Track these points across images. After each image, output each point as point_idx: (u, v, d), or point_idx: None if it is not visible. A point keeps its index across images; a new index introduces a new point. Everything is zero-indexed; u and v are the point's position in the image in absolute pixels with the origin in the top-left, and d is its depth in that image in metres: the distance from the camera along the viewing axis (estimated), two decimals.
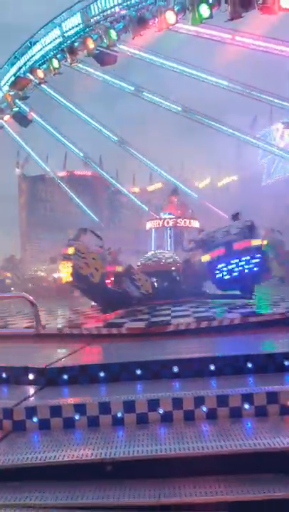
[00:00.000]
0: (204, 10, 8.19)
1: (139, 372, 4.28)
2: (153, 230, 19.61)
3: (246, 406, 3.68)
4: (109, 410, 3.56)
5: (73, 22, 9.90)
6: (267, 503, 2.83)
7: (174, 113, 16.08)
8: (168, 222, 18.45)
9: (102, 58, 10.83)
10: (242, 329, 6.16)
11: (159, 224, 19.00)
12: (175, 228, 18.33)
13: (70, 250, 8.61)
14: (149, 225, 19.64)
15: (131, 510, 2.71)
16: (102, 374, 4.24)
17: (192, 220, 18.94)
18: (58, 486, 2.84)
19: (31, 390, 4.09)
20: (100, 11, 9.52)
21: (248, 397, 3.70)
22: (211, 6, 8.23)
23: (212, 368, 4.34)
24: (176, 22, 8.86)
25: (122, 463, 3.00)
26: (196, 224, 18.92)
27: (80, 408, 3.54)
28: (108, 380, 4.24)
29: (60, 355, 5.06)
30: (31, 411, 3.51)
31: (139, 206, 28.22)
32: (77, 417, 3.51)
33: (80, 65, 11.57)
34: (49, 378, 4.26)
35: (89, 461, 2.96)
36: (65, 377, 4.22)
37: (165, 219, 18.57)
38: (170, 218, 18.33)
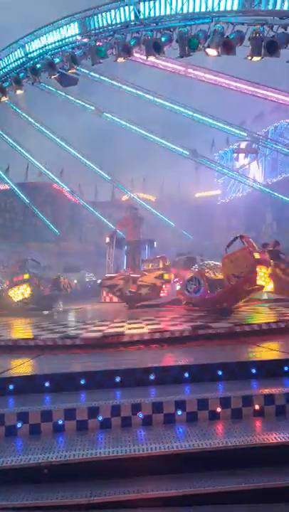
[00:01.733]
0: (157, 47, 8.87)
1: (83, 381, 4.54)
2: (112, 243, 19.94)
3: (179, 412, 4.06)
4: (50, 418, 3.79)
5: (37, 44, 10.28)
6: (195, 496, 3.18)
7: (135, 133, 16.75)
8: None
9: (64, 80, 11.26)
10: (192, 340, 6.60)
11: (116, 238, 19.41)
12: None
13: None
14: (108, 238, 19.99)
15: (63, 509, 2.95)
16: (47, 384, 4.45)
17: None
18: None
19: None
20: (62, 37, 9.97)
21: (180, 404, 4.08)
22: (162, 45, 8.94)
23: (152, 377, 4.69)
24: (132, 55, 9.49)
25: (58, 466, 3.24)
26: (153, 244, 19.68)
27: (22, 416, 3.75)
28: (53, 390, 4.45)
29: (8, 366, 5.19)
30: None
31: (99, 219, 28.53)
32: (19, 425, 3.71)
33: (43, 84, 11.90)
34: None
35: (26, 466, 3.18)
36: (11, 387, 4.39)
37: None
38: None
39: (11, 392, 4.40)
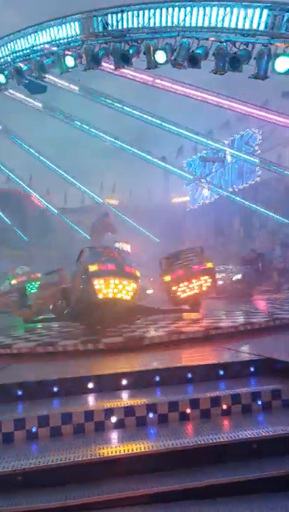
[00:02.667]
0: (125, 59, 9.11)
1: (55, 389, 4.58)
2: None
3: (151, 415, 4.19)
4: (24, 426, 3.82)
5: (4, 51, 10.25)
6: (166, 494, 3.31)
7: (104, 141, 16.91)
8: None
9: (32, 87, 11.28)
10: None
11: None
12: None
13: None
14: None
15: None
16: (19, 392, 4.46)
17: (124, 244, 19.63)
18: None
19: None
20: (30, 45, 10.02)
21: (152, 407, 4.21)
22: (130, 57, 9.20)
23: (124, 382, 4.80)
24: (101, 65, 9.67)
25: (32, 473, 3.29)
26: (127, 247, 19.66)
27: None
28: (25, 398, 4.47)
29: None
30: None
31: (69, 226, 28.34)
32: None
33: (11, 91, 11.85)
34: None
35: (0, 473, 3.21)
36: None
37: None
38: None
39: None
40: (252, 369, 5.07)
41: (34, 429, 3.84)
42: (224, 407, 4.27)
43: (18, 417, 3.89)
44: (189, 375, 5.00)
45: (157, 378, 4.91)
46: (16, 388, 4.54)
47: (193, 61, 8.68)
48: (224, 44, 8.70)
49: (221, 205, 30.05)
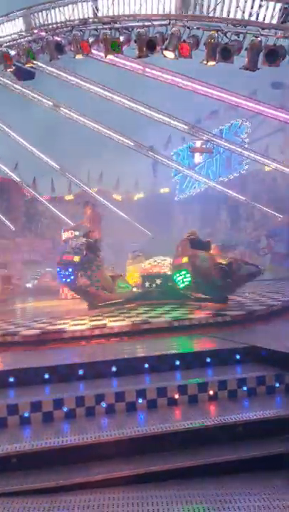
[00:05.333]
0: (115, 47, 9.00)
1: (47, 376, 4.67)
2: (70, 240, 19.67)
3: (140, 400, 4.32)
4: (16, 411, 3.90)
5: None
6: (154, 475, 3.46)
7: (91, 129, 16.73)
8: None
9: (21, 74, 11.05)
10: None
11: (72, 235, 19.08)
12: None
13: None
14: (64, 235, 19.63)
15: (33, 493, 3.11)
16: (11, 379, 4.54)
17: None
18: None
19: None
20: (18, 30, 9.79)
21: (141, 393, 4.34)
22: (121, 45, 9.09)
23: (114, 369, 4.92)
24: (90, 52, 9.53)
25: (26, 455, 3.39)
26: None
27: None
28: (17, 385, 4.55)
29: None
30: None
31: (57, 215, 28.06)
32: None
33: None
34: None
35: None
36: None
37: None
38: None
39: None
40: (238, 357, 5.25)
41: (27, 414, 3.92)
42: (211, 392, 4.44)
43: (11, 403, 3.97)
44: (177, 363, 5.14)
45: (146, 365, 5.04)
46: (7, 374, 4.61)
47: (184, 50, 8.63)
48: (215, 34, 8.66)
49: (208, 195, 30.17)
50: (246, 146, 25.77)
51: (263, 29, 8.38)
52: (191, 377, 4.63)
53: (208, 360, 5.19)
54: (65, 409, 4.07)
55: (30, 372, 4.74)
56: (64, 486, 3.17)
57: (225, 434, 3.86)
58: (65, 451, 3.48)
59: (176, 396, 4.36)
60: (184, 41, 8.86)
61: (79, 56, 9.46)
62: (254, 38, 8.44)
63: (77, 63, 11.64)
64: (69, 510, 2.89)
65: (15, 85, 13.61)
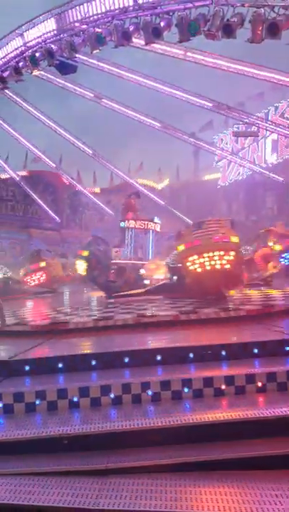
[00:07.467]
0: (156, 33, 8.84)
1: (94, 362, 4.80)
2: (131, 230, 19.75)
3: (186, 390, 4.32)
4: (66, 395, 4.06)
5: (35, 33, 10.21)
6: (199, 464, 3.46)
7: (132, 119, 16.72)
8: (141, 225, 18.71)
9: (63, 68, 11.20)
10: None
11: (140, 225, 19.15)
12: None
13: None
14: (126, 224, 19.74)
15: (83, 474, 3.24)
16: (60, 365, 4.72)
17: (155, 224, 19.46)
18: (20, 458, 3.31)
19: None
20: (60, 25, 9.89)
21: (187, 382, 4.34)
22: (162, 30, 8.90)
23: (158, 358, 4.94)
24: (132, 41, 9.43)
25: (76, 438, 3.52)
26: (157, 227, 19.49)
27: (40, 394, 4.01)
28: (66, 370, 4.72)
29: (22, 349, 5.46)
30: None
31: (99, 206, 28.58)
32: (38, 401, 3.98)
33: (42, 72, 11.84)
34: (12, 369, 4.68)
35: (47, 437, 3.46)
36: (27, 368, 4.66)
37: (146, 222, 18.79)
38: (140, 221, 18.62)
39: (27, 373, 4.67)
40: (287, 348, 5.06)
41: (76, 399, 4.06)
42: (259, 384, 4.33)
43: (60, 387, 4.13)
44: (223, 353, 5.06)
45: (191, 355, 5.02)
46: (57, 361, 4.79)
47: (228, 30, 8.27)
48: (262, 10, 8.21)
49: (253, 181, 29.16)
50: None
51: None
52: (238, 368, 4.55)
53: (256, 351, 5.06)
54: (112, 395, 4.16)
55: (77, 359, 4.90)
56: (112, 469, 3.26)
57: (274, 427, 3.75)
58: (113, 436, 3.57)
59: (223, 387, 4.30)
60: (228, 20, 8.53)
61: (120, 46, 9.42)
62: None
63: (111, 55, 11.61)
64: (118, 493, 2.96)
65: (57, 79, 13.86)
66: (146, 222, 17.86)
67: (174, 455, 3.50)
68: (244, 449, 3.54)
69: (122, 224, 19.21)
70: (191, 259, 8.54)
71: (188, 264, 8.60)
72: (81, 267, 12.22)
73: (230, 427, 3.73)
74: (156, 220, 18.11)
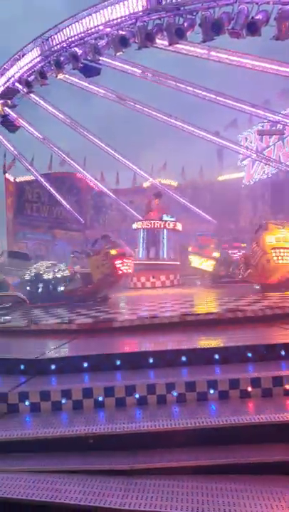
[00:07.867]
0: (180, 33, 8.80)
1: (118, 362, 4.83)
2: (141, 230, 19.91)
3: (211, 391, 4.28)
4: (91, 395, 4.10)
5: (60, 37, 10.42)
6: (224, 467, 3.42)
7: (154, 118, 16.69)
8: (160, 225, 18.85)
9: (87, 71, 11.35)
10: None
11: (147, 225, 19.29)
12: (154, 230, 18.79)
13: None
14: (136, 225, 19.88)
15: (108, 473, 3.26)
16: (85, 364, 4.77)
17: (177, 223, 19.45)
18: (47, 456, 3.37)
19: (23, 379, 4.60)
20: (85, 28, 10.04)
21: (213, 384, 4.29)
22: (185, 31, 8.86)
23: (183, 358, 4.92)
24: (155, 42, 9.44)
25: (102, 437, 3.55)
26: (179, 227, 19.45)
27: (66, 393, 4.07)
28: (91, 370, 4.77)
29: (48, 349, 5.56)
30: (24, 395, 4.02)
31: (122, 206, 28.73)
32: (63, 401, 4.04)
33: (66, 76, 12.05)
34: (39, 368, 4.78)
35: (74, 435, 3.50)
36: (53, 367, 4.74)
37: (153, 221, 18.91)
38: (162, 221, 18.76)
39: (52, 372, 4.75)
40: None
41: (101, 399, 4.10)
42: (287, 387, 4.23)
43: (86, 387, 4.18)
44: (249, 355, 4.98)
45: (217, 356, 4.97)
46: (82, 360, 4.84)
47: (253, 28, 8.14)
48: (287, 7, 8.04)
49: (279, 180, 28.51)
50: None
51: None
52: (264, 371, 4.46)
53: (283, 353, 4.95)
54: (136, 395, 4.17)
55: (102, 358, 4.94)
56: (137, 470, 3.26)
57: None
58: (138, 436, 3.57)
59: (249, 389, 4.23)
60: (253, 18, 8.40)
61: (143, 47, 9.45)
62: None
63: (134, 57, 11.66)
64: (143, 493, 2.96)
65: (80, 81, 14.04)
66: (156, 222, 18.10)
67: (200, 457, 3.47)
68: (272, 453, 3.47)
69: (133, 225, 19.54)
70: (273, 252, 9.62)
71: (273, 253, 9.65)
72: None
73: (257, 430, 3.66)
74: (164, 217, 18.29)
